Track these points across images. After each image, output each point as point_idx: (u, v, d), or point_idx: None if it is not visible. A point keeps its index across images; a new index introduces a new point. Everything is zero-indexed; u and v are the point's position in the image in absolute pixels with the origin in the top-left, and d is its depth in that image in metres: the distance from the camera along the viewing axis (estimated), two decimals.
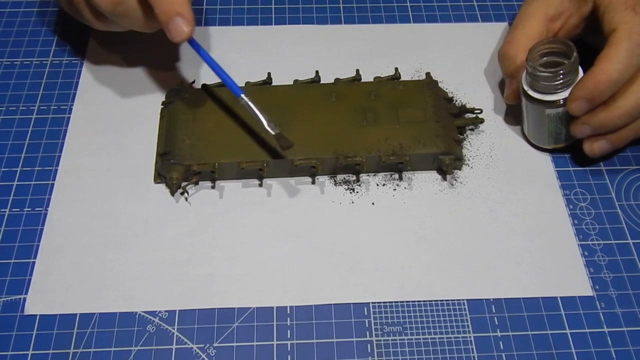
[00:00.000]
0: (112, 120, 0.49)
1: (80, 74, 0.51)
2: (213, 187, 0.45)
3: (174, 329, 0.40)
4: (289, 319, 0.40)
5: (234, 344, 0.39)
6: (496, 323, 0.40)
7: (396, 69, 0.50)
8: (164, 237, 0.43)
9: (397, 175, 0.46)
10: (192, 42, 0.44)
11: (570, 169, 0.47)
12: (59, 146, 0.47)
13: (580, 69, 0.44)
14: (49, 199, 0.45)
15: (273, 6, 0.57)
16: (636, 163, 0.48)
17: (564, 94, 0.43)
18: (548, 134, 0.46)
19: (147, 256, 0.42)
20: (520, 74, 0.46)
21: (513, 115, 0.49)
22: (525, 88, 0.44)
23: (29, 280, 0.41)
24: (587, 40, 0.49)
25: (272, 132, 0.43)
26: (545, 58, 0.45)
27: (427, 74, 0.50)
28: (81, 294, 0.41)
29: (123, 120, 0.49)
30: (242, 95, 0.44)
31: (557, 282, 0.42)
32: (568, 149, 0.47)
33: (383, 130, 0.46)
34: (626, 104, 0.42)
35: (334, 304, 0.41)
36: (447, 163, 0.45)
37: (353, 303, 0.41)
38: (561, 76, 0.43)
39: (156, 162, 0.46)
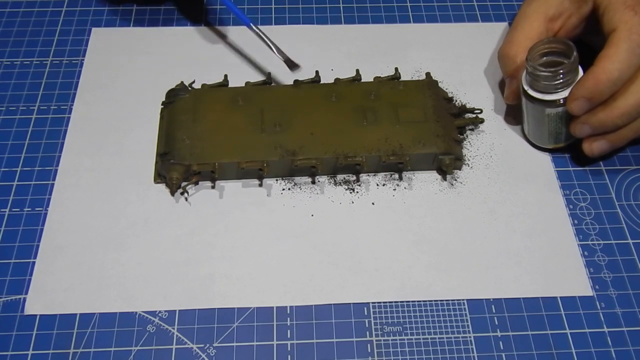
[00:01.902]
0: (112, 120, 0.49)
1: (80, 74, 0.51)
2: (213, 187, 0.45)
3: (174, 329, 0.40)
4: (289, 319, 0.40)
5: (234, 344, 0.39)
6: (496, 323, 0.40)
7: (396, 69, 0.50)
8: (164, 237, 0.43)
9: (397, 175, 0.46)
10: None
11: (570, 169, 0.47)
12: (59, 146, 0.47)
13: (580, 68, 0.44)
14: (49, 199, 0.45)
15: (273, 6, 0.57)
16: (636, 163, 0.48)
17: (564, 93, 0.43)
18: (548, 133, 0.46)
19: (147, 256, 0.42)
20: (520, 74, 0.46)
21: (513, 115, 0.49)
22: (526, 88, 0.44)
23: (29, 280, 0.41)
24: (587, 40, 0.49)
25: (282, 58, 0.48)
26: (545, 58, 0.45)
27: (427, 74, 0.50)
28: (81, 294, 0.41)
29: (123, 120, 0.49)
30: (252, 25, 0.48)
31: (557, 282, 0.42)
32: (568, 149, 0.47)
33: (383, 130, 0.46)
34: (626, 104, 0.42)
35: (334, 304, 0.41)
36: (447, 163, 0.45)
37: (353, 303, 0.41)
38: (561, 75, 0.43)
39: (156, 162, 0.46)
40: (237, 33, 0.54)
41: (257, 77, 0.50)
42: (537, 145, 0.48)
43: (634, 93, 0.42)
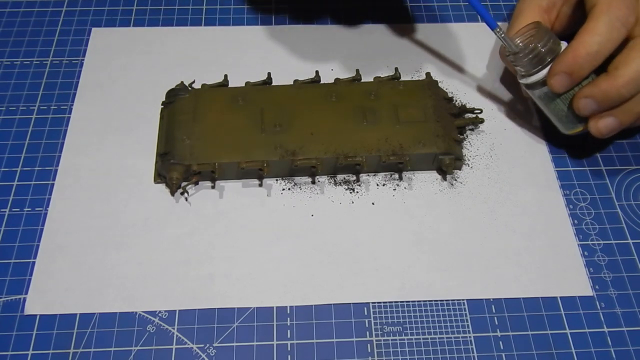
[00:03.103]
0: (112, 120, 0.49)
1: (80, 74, 0.51)
2: (213, 187, 0.45)
3: (174, 329, 0.40)
4: (289, 319, 0.40)
5: (234, 344, 0.39)
6: (496, 323, 0.40)
7: (396, 69, 0.50)
8: (164, 237, 0.43)
9: (397, 175, 0.46)
10: None
11: (570, 169, 0.47)
12: (59, 146, 0.47)
13: (561, 48, 0.43)
14: (49, 199, 0.45)
15: (273, 6, 0.57)
16: (636, 163, 0.48)
17: (546, 71, 0.43)
18: (556, 118, 0.45)
19: (147, 256, 0.42)
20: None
21: (513, 115, 0.49)
22: (519, 80, 0.45)
23: (29, 280, 0.41)
24: None
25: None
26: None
27: (427, 74, 0.50)
28: (81, 294, 0.41)
29: (123, 120, 0.49)
30: (497, 29, 0.44)
31: (557, 282, 0.42)
32: (567, 149, 0.47)
33: (383, 130, 0.46)
34: (629, 72, 0.41)
35: (334, 304, 0.41)
36: (447, 163, 0.45)
37: (353, 303, 0.41)
38: (538, 45, 0.43)
39: (156, 162, 0.46)
40: (237, 33, 0.54)
41: (257, 77, 0.50)
42: (567, 135, 0.46)
43: (635, 59, 0.41)
